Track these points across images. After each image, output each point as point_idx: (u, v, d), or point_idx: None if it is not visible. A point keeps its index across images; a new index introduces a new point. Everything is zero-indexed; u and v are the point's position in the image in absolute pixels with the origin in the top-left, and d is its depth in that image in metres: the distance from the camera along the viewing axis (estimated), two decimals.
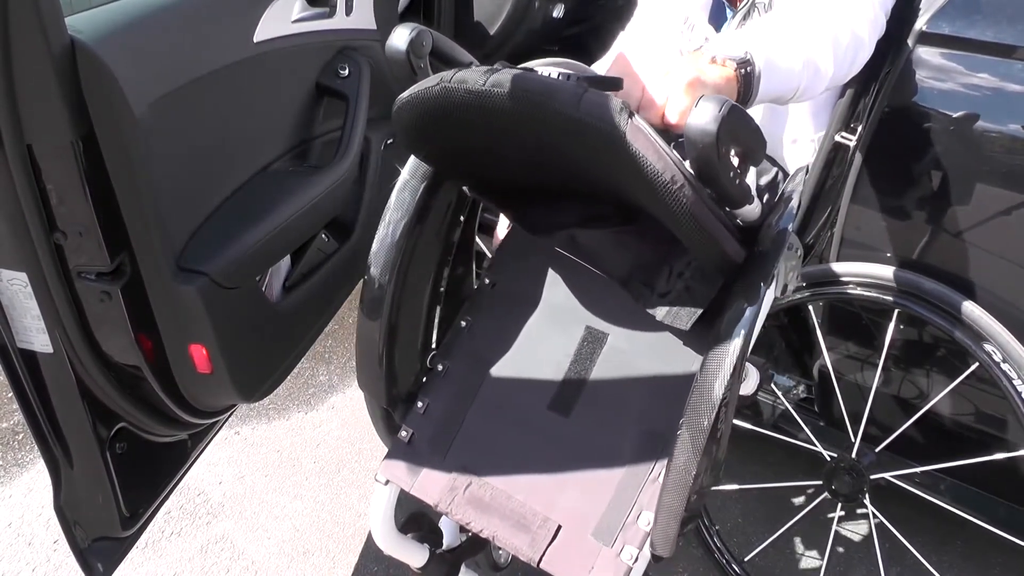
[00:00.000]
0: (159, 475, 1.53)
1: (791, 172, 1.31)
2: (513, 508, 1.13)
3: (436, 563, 1.34)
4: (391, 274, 1.13)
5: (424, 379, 1.24)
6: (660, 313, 1.12)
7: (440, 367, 1.23)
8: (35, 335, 1.28)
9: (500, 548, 1.49)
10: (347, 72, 1.55)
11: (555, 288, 1.23)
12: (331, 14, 1.53)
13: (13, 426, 2.10)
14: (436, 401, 1.22)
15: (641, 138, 0.88)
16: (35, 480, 1.95)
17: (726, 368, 0.94)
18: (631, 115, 0.88)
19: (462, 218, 1.22)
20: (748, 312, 0.96)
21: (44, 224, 1.18)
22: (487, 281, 1.26)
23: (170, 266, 1.26)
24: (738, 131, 0.88)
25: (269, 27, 1.40)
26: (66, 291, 1.24)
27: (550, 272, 1.24)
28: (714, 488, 1.66)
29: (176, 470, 1.57)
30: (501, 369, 1.21)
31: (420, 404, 1.22)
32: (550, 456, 1.15)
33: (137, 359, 1.32)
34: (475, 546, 1.39)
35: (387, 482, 1.21)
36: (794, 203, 1.04)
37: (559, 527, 1.11)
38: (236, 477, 1.97)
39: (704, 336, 1.03)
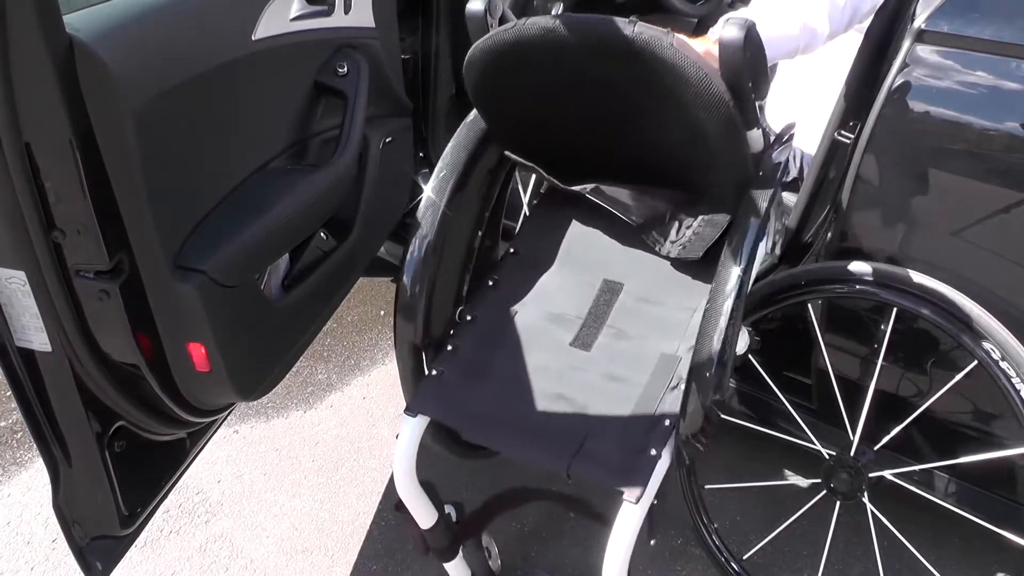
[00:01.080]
0: (158, 474, 1.53)
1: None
2: (537, 427, 1.19)
3: (442, 529, 1.39)
4: (438, 226, 1.28)
5: (453, 330, 1.33)
6: (674, 252, 1.28)
7: (469, 317, 1.32)
8: (33, 334, 1.28)
9: (492, 552, 1.53)
10: (345, 70, 1.55)
11: (572, 251, 1.36)
12: (330, 12, 1.53)
13: (11, 425, 2.10)
14: (465, 343, 1.29)
15: (683, 48, 1.08)
16: (34, 479, 1.95)
17: (744, 254, 1.09)
18: (672, 36, 1.09)
19: (496, 191, 1.37)
20: (752, 222, 1.12)
21: (42, 222, 1.18)
22: (511, 250, 1.39)
23: (168, 264, 1.25)
24: (755, 50, 1.08)
25: (268, 25, 1.40)
26: (64, 290, 1.24)
27: (568, 238, 1.38)
28: (713, 486, 1.68)
29: (175, 469, 1.56)
30: (525, 316, 1.30)
31: (450, 347, 1.30)
32: (573, 383, 1.23)
33: (135, 357, 1.32)
34: (478, 524, 1.46)
35: (417, 414, 1.25)
36: (791, 147, 1.21)
37: (585, 437, 1.16)
38: (235, 476, 1.98)
39: (711, 272, 1.15)
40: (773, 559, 1.74)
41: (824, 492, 1.51)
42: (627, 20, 1.10)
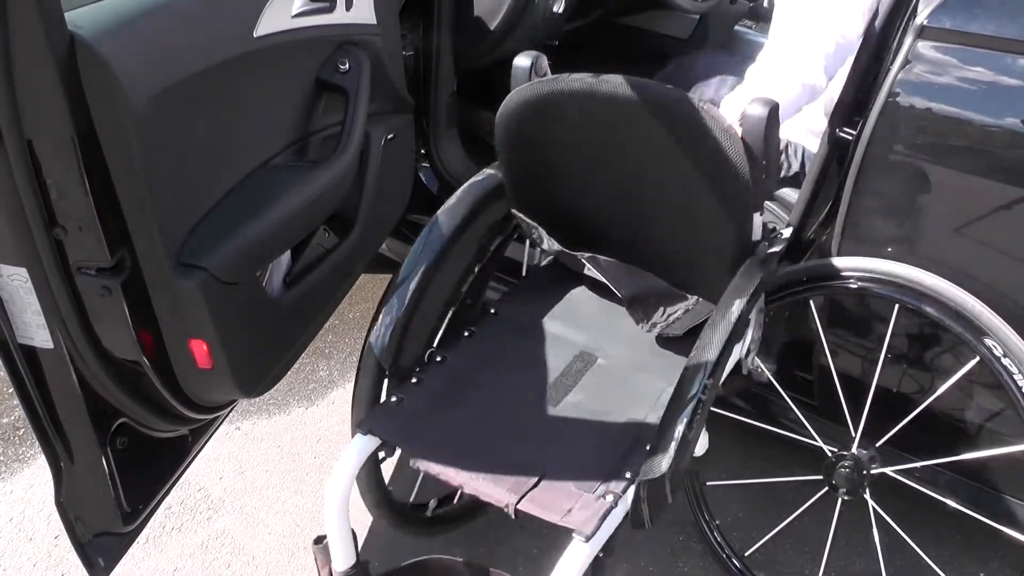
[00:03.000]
0: (160, 470, 1.53)
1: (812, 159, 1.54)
2: (493, 462, 1.17)
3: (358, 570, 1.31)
4: (422, 274, 1.31)
5: (420, 367, 1.34)
6: (656, 330, 1.35)
7: (439, 358, 1.33)
8: (35, 331, 1.28)
9: None
10: (347, 67, 1.55)
11: (555, 322, 1.40)
12: (331, 8, 1.53)
13: (14, 422, 2.10)
14: (431, 379, 1.29)
15: (709, 111, 1.14)
16: (36, 476, 1.96)
17: (719, 337, 1.10)
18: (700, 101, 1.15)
19: (492, 248, 1.41)
20: (737, 303, 1.13)
21: (44, 219, 1.18)
22: (492, 311, 1.42)
23: (170, 261, 1.25)
24: (775, 130, 1.13)
25: (270, 22, 1.40)
26: (66, 287, 1.24)
27: (553, 310, 1.41)
28: (714, 483, 1.68)
29: (177, 465, 1.57)
30: (496, 366, 1.32)
31: (415, 380, 1.29)
32: (537, 428, 1.23)
33: (137, 354, 1.32)
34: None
35: (367, 433, 1.22)
36: (780, 248, 1.24)
37: (541, 477, 1.14)
38: (237, 472, 1.98)
39: (687, 352, 1.17)
40: (775, 555, 1.74)
41: (826, 489, 1.51)
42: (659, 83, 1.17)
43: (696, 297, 1.33)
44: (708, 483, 1.69)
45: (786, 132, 1.68)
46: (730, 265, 1.22)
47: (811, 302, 1.48)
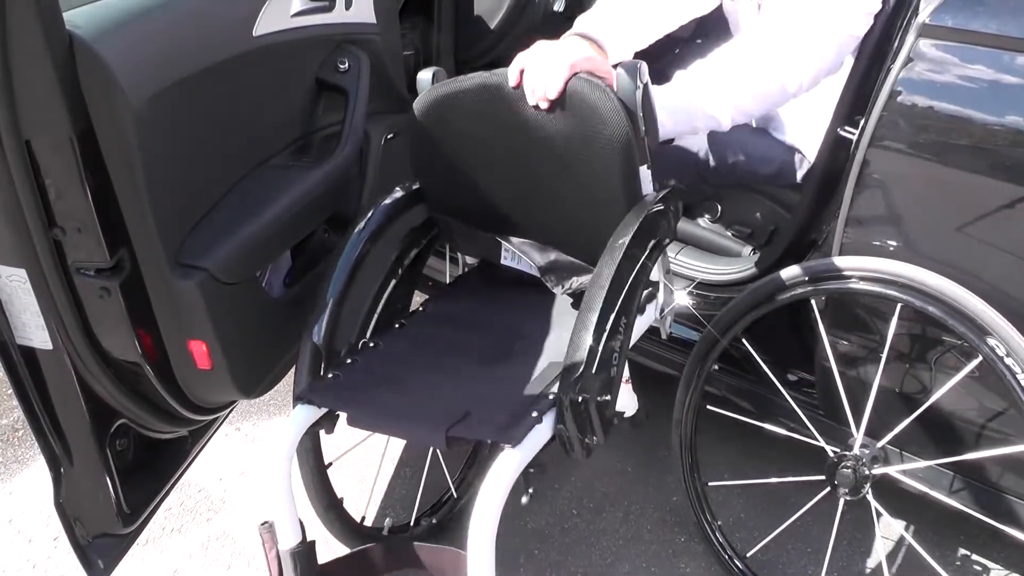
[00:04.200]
0: (159, 471, 1.53)
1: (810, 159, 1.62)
2: (425, 412, 1.23)
3: (305, 558, 1.32)
4: (354, 261, 1.41)
5: (354, 353, 1.40)
6: (572, 288, 1.45)
7: (372, 344, 1.41)
8: (34, 331, 1.28)
9: None
10: (347, 66, 1.56)
11: (480, 308, 1.52)
12: (330, 8, 1.53)
13: (13, 423, 2.10)
14: (366, 359, 1.37)
15: (583, 76, 1.24)
16: (35, 477, 1.96)
17: (612, 258, 1.18)
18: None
19: (414, 250, 1.52)
20: (625, 230, 1.22)
21: (43, 220, 1.18)
22: (422, 308, 1.53)
23: (169, 262, 1.26)
24: (649, 95, 1.24)
25: (269, 21, 1.40)
26: (65, 287, 1.24)
27: (477, 301, 1.54)
28: (716, 483, 1.68)
29: (176, 466, 1.57)
30: (427, 347, 1.42)
31: (350, 360, 1.37)
32: (467, 382, 1.32)
33: (137, 355, 1.32)
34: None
35: (306, 403, 1.27)
36: (671, 197, 1.31)
37: (468, 412, 1.20)
38: (237, 473, 1.98)
39: None
40: (777, 556, 1.74)
41: (828, 489, 1.51)
42: None
43: None
44: (710, 483, 1.69)
45: (793, 139, 1.69)
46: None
47: (813, 301, 1.48)
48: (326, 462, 1.54)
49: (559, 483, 1.92)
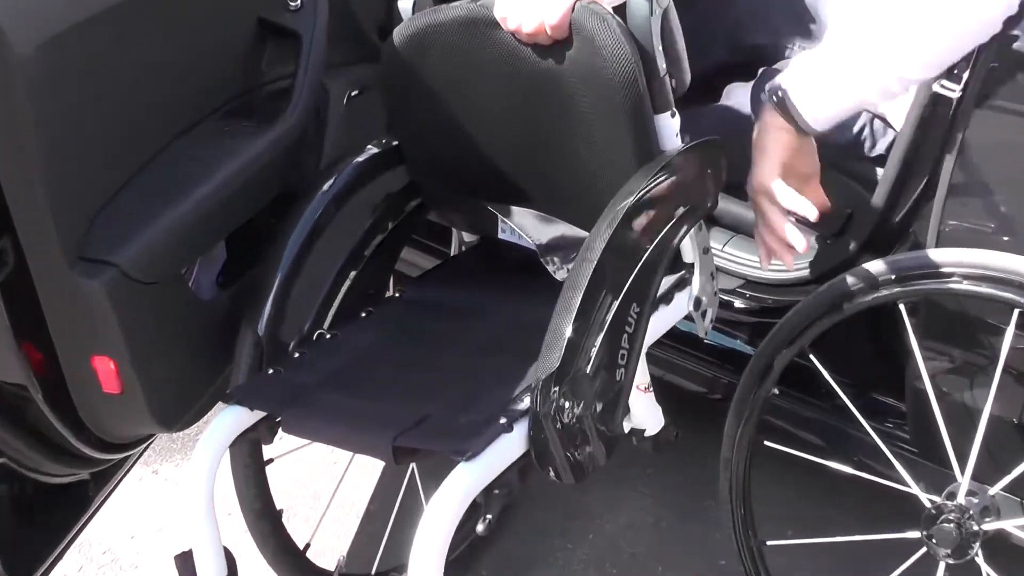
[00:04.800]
0: (51, 527, 1.53)
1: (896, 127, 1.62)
2: (375, 418, 1.26)
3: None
4: (308, 233, 1.45)
5: (304, 345, 1.44)
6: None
7: (328, 335, 1.45)
8: None
9: None
10: (299, 3, 1.56)
11: (463, 296, 1.57)
12: None
13: None
14: (316, 352, 1.42)
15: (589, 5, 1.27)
16: None
17: (609, 219, 1.20)
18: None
19: (391, 223, 1.57)
20: (633, 184, 1.24)
21: None
22: (397, 295, 1.60)
23: (68, 256, 1.26)
24: (672, 24, 1.26)
25: None
26: None
27: (462, 288, 1.59)
28: (776, 542, 1.66)
29: (74, 521, 1.57)
30: (391, 340, 1.46)
31: (297, 354, 1.41)
32: (425, 389, 1.34)
33: (21, 375, 1.32)
34: None
35: (237, 402, 1.30)
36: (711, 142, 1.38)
37: (424, 417, 1.23)
38: (153, 530, 1.97)
39: None
40: None
41: (923, 550, 1.50)
42: None
43: None
44: (768, 542, 1.68)
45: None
46: None
47: (902, 306, 1.47)
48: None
49: (573, 542, 1.92)
